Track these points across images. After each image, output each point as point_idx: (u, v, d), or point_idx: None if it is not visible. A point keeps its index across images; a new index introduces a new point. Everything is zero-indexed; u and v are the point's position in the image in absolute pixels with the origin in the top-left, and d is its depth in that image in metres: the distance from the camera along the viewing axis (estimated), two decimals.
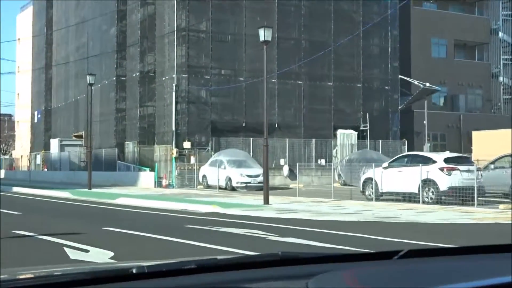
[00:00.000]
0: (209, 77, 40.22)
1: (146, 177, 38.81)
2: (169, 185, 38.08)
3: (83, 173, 45.40)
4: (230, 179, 34.43)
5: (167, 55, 40.37)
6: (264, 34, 22.37)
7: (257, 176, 34.28)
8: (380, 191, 23.88)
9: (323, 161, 42.44)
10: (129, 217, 18.65)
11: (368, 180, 24.66)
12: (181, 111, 39.48)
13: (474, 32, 53.62)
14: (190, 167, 38.71)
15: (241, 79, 40.77)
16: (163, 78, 40.77)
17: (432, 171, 22.21)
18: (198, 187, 36.91)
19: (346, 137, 43.08)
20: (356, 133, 43.26)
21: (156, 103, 41.76)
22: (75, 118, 52.71)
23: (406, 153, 29.90)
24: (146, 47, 42.45)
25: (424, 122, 45.11)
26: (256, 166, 35.85)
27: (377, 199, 23.38)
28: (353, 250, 8.33)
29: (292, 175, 41.64)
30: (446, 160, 22.56)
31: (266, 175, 23.42)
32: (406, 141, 43.82)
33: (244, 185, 34.03)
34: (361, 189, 24.99)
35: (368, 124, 42.99)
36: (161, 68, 41.18)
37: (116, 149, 43.68)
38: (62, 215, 19.53)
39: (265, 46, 22.74)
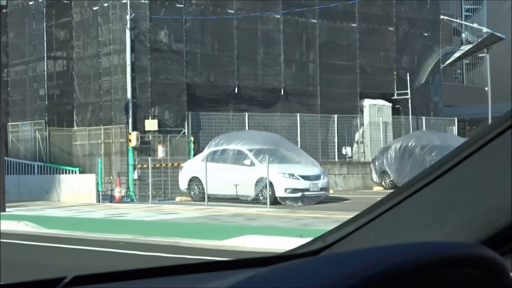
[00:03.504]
0: (182, 6, 28.42)
1: (78, 184, 26.54)
2: (125, 198, 26.42)
3: None
4: (270, 185, 23.31)
5: None
6: None
7: (317, 178, 24.17)
8: None
9: (349, 150, 32.37)
10: None
11: None
12: (137, 66, 27.48)
13: None
14: (159, 165, 27.28)
15: (230, 11, 29.37)
16: (95, 8, 28.33)
17: None
18: (178, 198, 26.82)
19: (377, 111, 33.20)
20: (390, 105, 33.64)
21: (76, 52, 29.11)
22: None
23: None
24: None
25: (486, 89, 36.58)
26: (306, 161, 25.50)
27: None
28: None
29: None
30: None
31: None
32: (456, 120, 34.95)
33: (299, 194, 23.66)
34: None
35: (409, 91, 33.41)
36: None
37: None
38: None
39: None
